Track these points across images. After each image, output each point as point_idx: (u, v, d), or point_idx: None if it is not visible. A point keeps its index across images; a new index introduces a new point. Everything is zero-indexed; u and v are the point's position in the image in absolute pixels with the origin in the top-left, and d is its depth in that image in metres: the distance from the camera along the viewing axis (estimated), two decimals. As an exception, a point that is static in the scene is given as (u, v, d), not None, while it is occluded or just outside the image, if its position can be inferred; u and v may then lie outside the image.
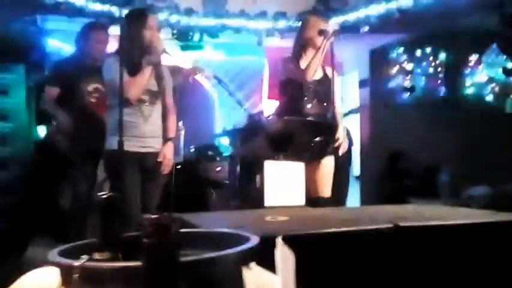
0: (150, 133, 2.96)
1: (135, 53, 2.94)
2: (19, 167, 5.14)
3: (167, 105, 3.08)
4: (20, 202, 4.98)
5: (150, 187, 2.96)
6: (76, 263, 0.99)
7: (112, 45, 3.69)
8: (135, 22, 2.97)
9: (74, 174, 3.49)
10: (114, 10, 4.70)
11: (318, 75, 3.35)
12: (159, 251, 0.84)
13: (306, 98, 3.31)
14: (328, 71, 3.36)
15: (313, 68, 3.24)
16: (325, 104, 3.32)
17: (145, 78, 2.91)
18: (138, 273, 0.87)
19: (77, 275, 0.98)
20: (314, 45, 3.30)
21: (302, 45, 3.38)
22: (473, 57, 5.16)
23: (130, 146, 2.82)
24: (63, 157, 3.51)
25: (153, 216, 0.85)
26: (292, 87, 3.35)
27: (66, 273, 1.06)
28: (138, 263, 0.89)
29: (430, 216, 2.28)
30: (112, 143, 2.85)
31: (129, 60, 2.90)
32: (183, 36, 5.29)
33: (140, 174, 2.94)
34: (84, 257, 1.02)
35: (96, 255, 1.01)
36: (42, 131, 5.19)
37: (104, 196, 0.95)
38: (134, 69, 2.90)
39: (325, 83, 3.33)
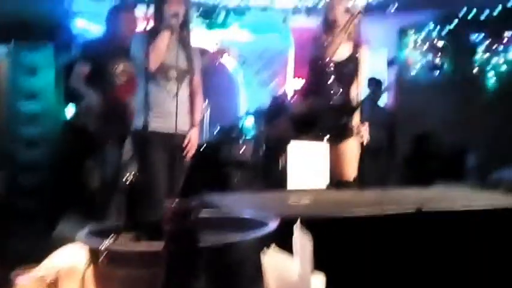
0: (176, 111, 2.88)
1: (157, 24, 2.90)
2: (48, 146, 5.26)
3: (194, 85, 3.05)
4: (49, 181, 5.11)
5: (175, 168, 2.97)
6: (102, 245, 1.03)
7: (140, 26, 3.73)
8: None
9: (102, 154, 3.55)
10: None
11: (344, 54, 3.32)
12: (180, 237, 0.87)
13: (329, 78, 3.29)
14: (357, 50, 3.31)
15: (335, 46, 3.21)
16: (348, 84, 3.29)
17: (164, 43, 2.82)
18: (161, 256, 0.90)
19: (103, 256, 1.02)
20: (339, 24, 3.27)
21: (328, 24, 3.35)
22: (507, 34, 5.00)
23: (156, 125, 2.82)
24: (92, 137, 3.57)
25: (173, 203, 0.87)
26: (316, 66, 3.34)
27: (93, 253, 1.11)
28: (160, 247, 0.92)
29: (455, 199, 2.27)
30: (139, 121, 2.86)
31: (152, 32, 2.88)
32: (209, 15, 5.29)
33: (166, 154, 2.91)
34: (111, 238, 1.06)
35: (123, 236, 1.05)
36: (70, 110, 5.29)
37: (130, 178, 0.97)
38: (156, 40, 2.84)
39: (351, 62, 3.29)
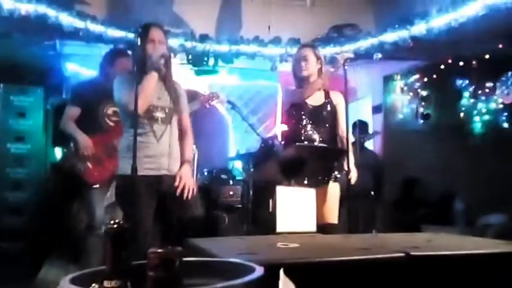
0: (163, 154, 2.81)
1: (141, 66, 2.82)
2: (34, 188, 5.21)
3: (183, 125, 2.97)
4: (35, 223, 5.02)
5: (162, 212, 2.85)
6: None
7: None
8: (140, 37, 2.90)
9: (88, 197, 3.51)
10: (131, 36, 4.80)
11: (320, 100, 3.40)
12: (164, 284, 0.84)
13: (306, 123, 3.34)
14: (333, 96, 3.43)
15: (309, 91, 3.31)
16: (325, 129, 3.36)
17: (151, 86, 2.76)
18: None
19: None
20: (308, 76, 3.40)
21: (298, 76, 3.46)
22: (488, 84, 5.14)
23: (141, 168, 2.67)
24: (79, 179, 3.53)
25: (158, 250, 0.85)
26: (294, 112, 3.40)
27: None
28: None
29: (444, 245, 2.26)
30: (123, 165, 2.76)
31: (137, 74, 2.79)
32: (198, 62, 5.36)
33: (154, 197, 2.79)
34: (94, 286, 1.03)
35: (106, 284, 1.02)
36: (58, 153, 5.26)
37: (114, 225, 0.96)
38: (141, 82, 2.76)
39: (327, 108, 3.39)
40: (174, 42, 4.98)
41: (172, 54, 2.93)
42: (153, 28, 2.92)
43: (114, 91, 2.89)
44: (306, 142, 3.28)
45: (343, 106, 3.36)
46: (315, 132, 3.34)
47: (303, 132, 3.33)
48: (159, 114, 2.85)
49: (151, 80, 2.78)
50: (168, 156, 2.83)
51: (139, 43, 2.88)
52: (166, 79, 2.91)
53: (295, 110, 3.39)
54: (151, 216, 2.77)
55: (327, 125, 3.37)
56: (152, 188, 2.78)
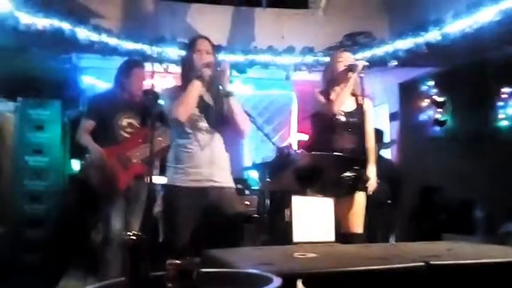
0: (207, 163, 2.79)
1: (187, 76, 2.87)
2: (53, 200, 5.26)
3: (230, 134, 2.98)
4: (53, 235, 5.07)
5: (200, 225, 2.79)
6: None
7: (147, 82, 3.77)
8: (188, 47, 2.99)
9: (106, 209, 3.52)
10: (146, 48, 4.85)
11: (350, 107, 3.34)
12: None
13: (335, 132, 3.29)
14: (361, 102, 3.33)
15: (341, 100, 3.24)
16: (355, 137, 3.29)
17: (192, 94, 2.76)
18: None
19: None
20: (343, 79, 3.32)
21: (331, 79, 3.40)
22: (506, 89, 5.08)
23: (185, 179, 2.75)
24: (96, 191, 3.56)
25: (176, 261, 0.85)
26: (321, 121, 3.34)
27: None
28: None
29: (465, 253, 2.23)
30: (169, 175, 2.83)
31: (183, 86, 2.85)
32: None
33: (196, 211, 2.77)
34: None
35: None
36: (76, 165, 5.32)
37: (132, 237, 0.96)
38: (186, 90, 2.78)
39: (357, 115, 3.31)
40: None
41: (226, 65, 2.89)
42: (200, 39, 2.97)
43: (164, 103, 2.92)
44: (336, 151, 3.20)
45: (371, 114, 3.34)
46: (341, 140, 3.27)
47: (329, 140, 3.27)
48: (203, 124, 2.84)
49: (193, 88, 2.78)
50: (212, 165, 2.81)
51: (186, 53, 2.95)
52: (212, 87, 2.89)
53: (321, 117, 3.32)
54: (190, 229, 2.75)
55: (354, 133, 3.29)
56: (195, 200, 2.76)
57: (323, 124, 3.32)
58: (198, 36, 3.02)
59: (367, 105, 3.32)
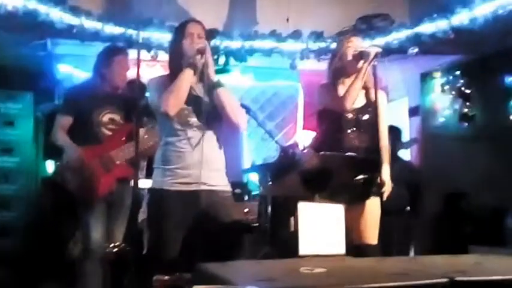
0: (199, 164, 2.77)
1: (176, 64, 2.85)
2: (24, 206, 5.27)
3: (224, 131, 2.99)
4: (24, 247, 5.07)
5: (192, 233, 2.79)
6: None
7: (132, 72, 3.75)
8: (175, 32, 2.98)
9: (84, 217, 3.53)
10: (131, 33, 4.84)
11: (360, 102, 3.33)
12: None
13: (346, 130, 3.28)
14: (373, 96, 3.28)
15: (352, 95, 3.21)
16: (368, 136, 3.28)
17: (184, 84, 2.75)
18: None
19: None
20: (352, 69, 3.30)
21: (339, 69, 3.38)
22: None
23: (174, 182, 2.76)
24: (73, 197, 3.56)
25: (164, 277, 0.86)
26: (330, 118, 3.33)
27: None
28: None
29: (494, 268, 2.23)
30: (156, 178, 2.84)
31: (171, 75, 2.84)
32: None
33: (186, 218, 2.78)
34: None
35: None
36: (50, 166, 5.31)
37: (113, 248, 0.97)
38: (176, 80, 2.77)
39: (369, 111, 3.31)
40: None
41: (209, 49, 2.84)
42: (191, 23, 2.97)
43: (149, 94, 2.94)
44: (346, 151, 3.21)
45: (384, 109, 3.31)
46: (352, 139, 3.26)
47: (338, 139, 3.26)
48: (194, 119, 2.84)
49: (185, 77, 2.77)
50: (204, 166, 2.79)
51: (174, 38, 2.95)
52: (204, 77, 2.85)
53: (330, 114, 3.32)
54: (180, 240, 2.76)
55: (366, 131, 3.28)
56: (185, 205, 2.77)
57: (331, 121, 3.32)
58: (189, 20, 3.02)
59: (380, 99, 3.28)
